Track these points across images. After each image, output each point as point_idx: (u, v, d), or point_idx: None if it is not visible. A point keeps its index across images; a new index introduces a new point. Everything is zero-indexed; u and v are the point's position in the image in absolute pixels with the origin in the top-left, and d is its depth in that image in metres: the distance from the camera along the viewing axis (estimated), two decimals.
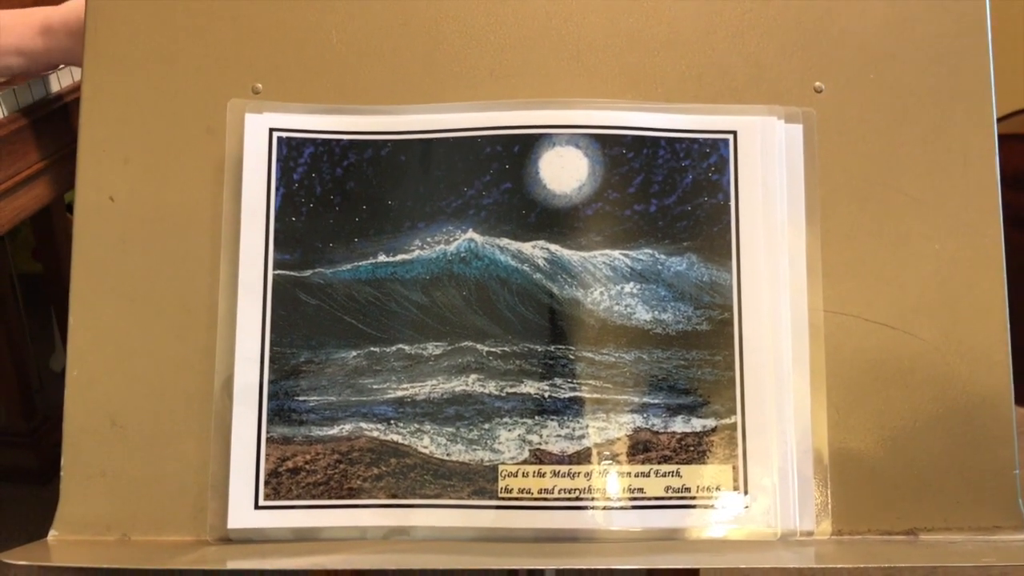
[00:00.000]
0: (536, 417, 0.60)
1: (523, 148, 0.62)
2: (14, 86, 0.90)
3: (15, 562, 0.51)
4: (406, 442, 0.60)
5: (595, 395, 0.60)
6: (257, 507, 0.59)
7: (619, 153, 0.62)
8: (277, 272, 0.61)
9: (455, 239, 0.62)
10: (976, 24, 0.65)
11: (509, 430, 0.60)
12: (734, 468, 0.59)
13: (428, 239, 0.62)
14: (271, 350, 0.61)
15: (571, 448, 0.60)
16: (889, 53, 0.65)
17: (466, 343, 0.61)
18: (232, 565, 0.55)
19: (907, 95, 0.64)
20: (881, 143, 0.64)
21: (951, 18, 0.65)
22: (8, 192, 0.89)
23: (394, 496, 0.59)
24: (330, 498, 0.59)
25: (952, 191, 0.64)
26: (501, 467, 0.59)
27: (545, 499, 0.59)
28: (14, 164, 0.90)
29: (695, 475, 0.59)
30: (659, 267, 0.61)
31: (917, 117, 0.64)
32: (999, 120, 0.65)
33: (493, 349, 0.61)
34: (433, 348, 0.61)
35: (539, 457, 0.60)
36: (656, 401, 0.60)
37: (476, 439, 0.60)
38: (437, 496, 0.59)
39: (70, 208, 1.60)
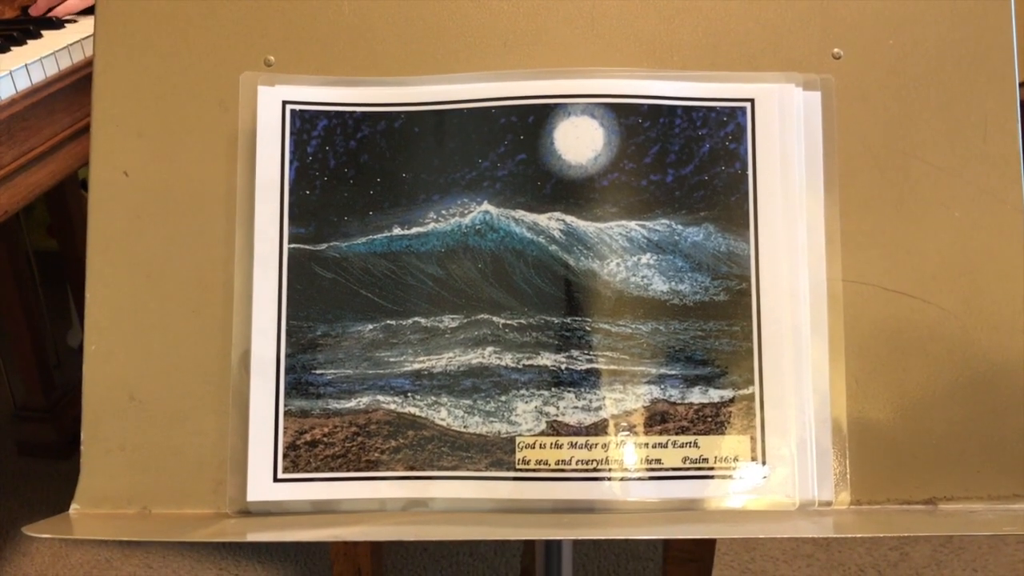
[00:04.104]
0: (553, 389, 0.60)
1: (537, 118, 0.62)
2: (27, 62, 0.90)
3: (39, 535, 0.52)
4: (423, 414, 0.60)
5: (612, 366, 0.60)
6: (276, 480, 0.59)
7: (635, 122, 0.61)
8: (292, 246, 0.61)
9: (470, 211, 0.62)
10: None
11: (526, 402, 0.60)
12: (752, 438, 0.59)
13: (443, 211, 0.62)
14: (287, 324, 0.61)
15: (588, 419, 0.60)
16: (909, 18, 0.64)
17: (482, 315, 0.61)
18: (252, 537, 0.56)
19: (927, 61, 0.63)
20: (901, 110, 0.63)
21: None
22: (23, 168, 0.89)
23: (412, 468, 0.59)
24: (348, 470, 0.60)
25: (973, 158, 0.63)
26: (518, 439, 0.60)
27: (562, 470, 0.59)
28: (28, 140, 0.90)
29: (713, 446, 0.59)
30: (676, 237, 0.61)
31: (937, 83, 0.63)
32: (1021, 86, 0.64)
33: (509, 321, 0.61)
34: (449, 321, 0.61)
35: (556, 429, 0.60)
36: (673, 372, 0.60)
37: (493, 411, 0.60)
38: (455, 468, 0.59)
39: (84, 185, 1.61)
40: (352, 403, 0.60)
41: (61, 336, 1.85)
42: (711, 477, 0.59)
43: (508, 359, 0.60)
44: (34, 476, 1.59)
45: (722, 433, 0.59)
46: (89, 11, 1.00)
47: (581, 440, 0.59)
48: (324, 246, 0.62)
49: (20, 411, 1.62)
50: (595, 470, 0.59)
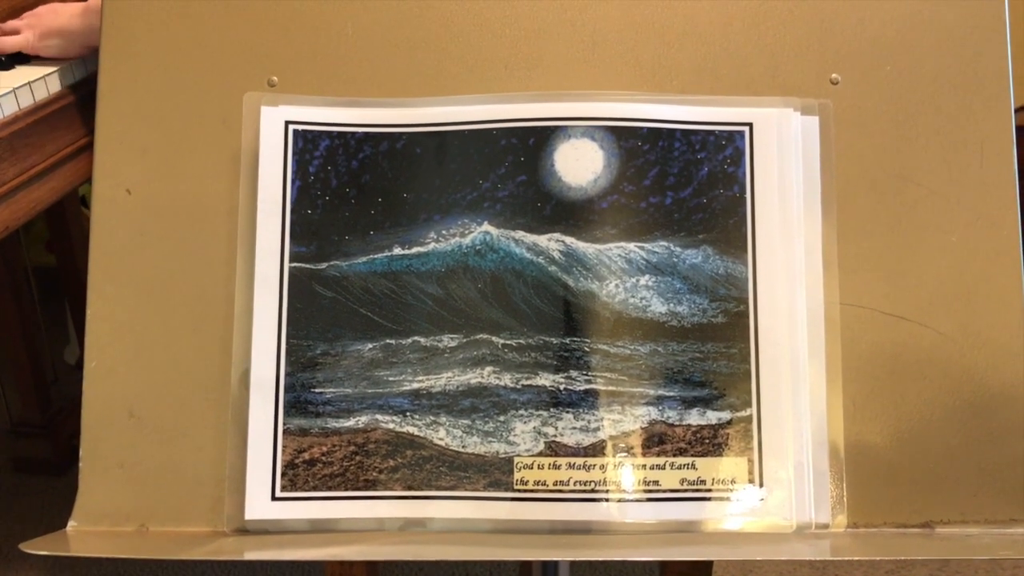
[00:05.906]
0: (551, 409, 0.60)
1: (538, 140, 0.62)
2: (30, 80, 0.90)
3: (36, 552, 0.52)
4: (422, 434, 0.60)
5: (610, 387, 0.60)
6: (274, 498, 0.59)
7: (634, 145, 0.62)
8: (293, 265, 0.62)
9: (470, 232, 0.62)
10: (994, 15, 0.64)
11: (524, 422, 0.60)
12: (749, 461, 0.59)
13: (443, 232, 0.62)
14: (288, 342, 0.61)
15: (586, 440, 0.60)
16: (906, 45, 0.64)
17: (481, 335, 0.61)
18: (249, 556, 0.56)
19: (924, 87, 0.64)
20: (898, 135, 0.64)
21: (968, 9, 0.64)
22: (24, 185, 0.90)
23: (410, 488, 0.59)
24: (346, 490, 0.60)
25: (969, 183, 0.63)
26: (516, 459, 0.60)
27: (560, 491, 0.59)
28: (30, 157, 0.90)
29: (710, 468, 0.59)
30: (674, 260, 0.61)
31: (934, 109, 0.64)
32: (1016, 111, 0.64)
33: (508, 342, 0.61)
34: (448, 340, 0.61)
35: (554, 449, 0.60)
36: (671, 394, 0.60)
37: (492, 431, 0.60)
38: (453, 488, 0.59)
39: (84, 201, 1.61)
40: (351, 422, 0.60)
41: (58, 352, 1.85)
42: (708, 499, 0.59)
43: (507, 379, 0.60)
44: (29, 492, 1.59)
45: (720, 455, 0.59)
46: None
47: (579, 461, 0.59)
48: (325, 265, 0.62)
49: (16, 427, 1.61)
50: (593, 491, 0.59)
